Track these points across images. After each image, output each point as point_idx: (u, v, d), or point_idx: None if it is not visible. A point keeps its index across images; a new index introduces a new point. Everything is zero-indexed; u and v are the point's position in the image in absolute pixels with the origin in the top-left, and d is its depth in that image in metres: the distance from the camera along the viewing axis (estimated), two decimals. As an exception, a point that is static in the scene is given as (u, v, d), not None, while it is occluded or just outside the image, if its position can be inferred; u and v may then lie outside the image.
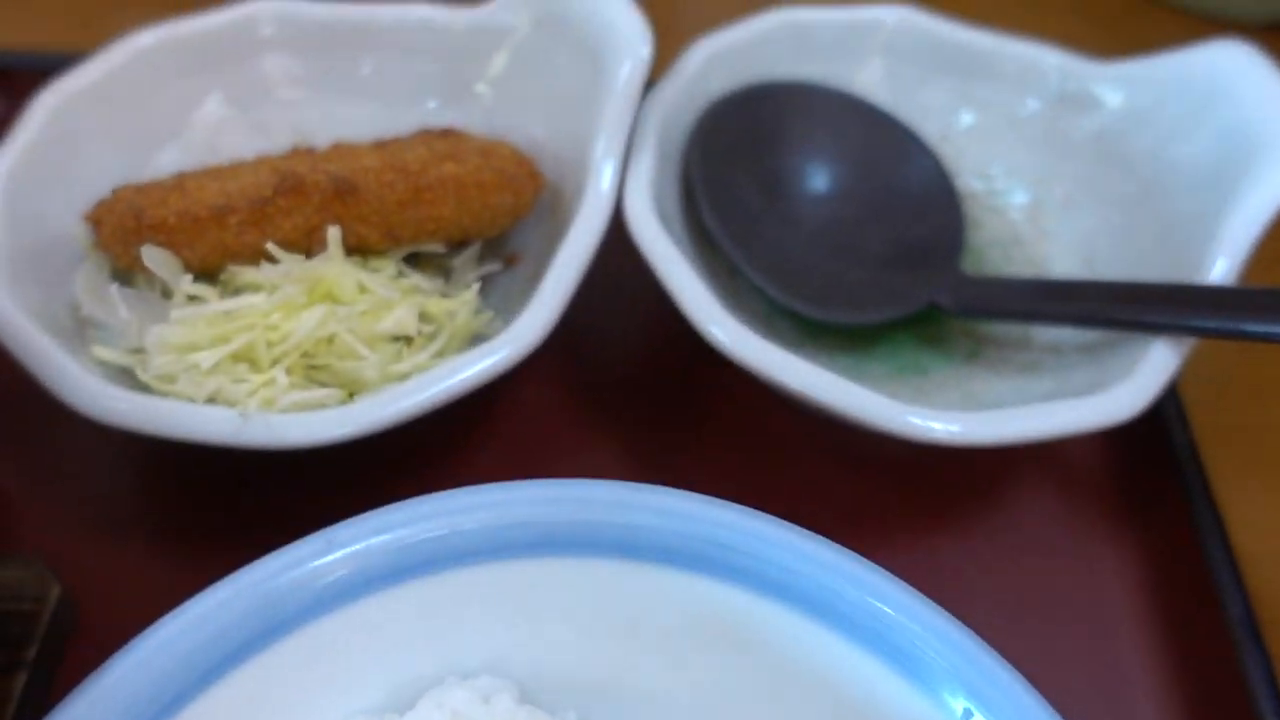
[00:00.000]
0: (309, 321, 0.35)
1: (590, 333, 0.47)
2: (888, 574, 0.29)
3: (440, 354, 0.38)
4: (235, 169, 0.42)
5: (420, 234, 0.38)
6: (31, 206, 0.41)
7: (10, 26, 0.62)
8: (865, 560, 0.29)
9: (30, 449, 0.41)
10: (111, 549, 0.40)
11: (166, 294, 0.39)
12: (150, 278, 0.40)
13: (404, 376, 0.37)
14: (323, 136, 0.49)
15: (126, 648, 0.26)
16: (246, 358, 0.36)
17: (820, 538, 0.30)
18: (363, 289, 0.37)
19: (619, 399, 0.46)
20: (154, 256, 0.36)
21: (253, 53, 0.48)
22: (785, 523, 0.30)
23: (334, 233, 0.36)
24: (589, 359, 0.47)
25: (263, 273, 0.36)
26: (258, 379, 0.35)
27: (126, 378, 0.38)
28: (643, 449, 0.44)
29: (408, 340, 0.38)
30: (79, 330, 0.40)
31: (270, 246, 0.36)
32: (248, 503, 0.41)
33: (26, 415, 0.40)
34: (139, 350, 0.38)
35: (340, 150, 0.45)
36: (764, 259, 0.44)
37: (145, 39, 0.46)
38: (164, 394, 0.36)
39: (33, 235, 0.41)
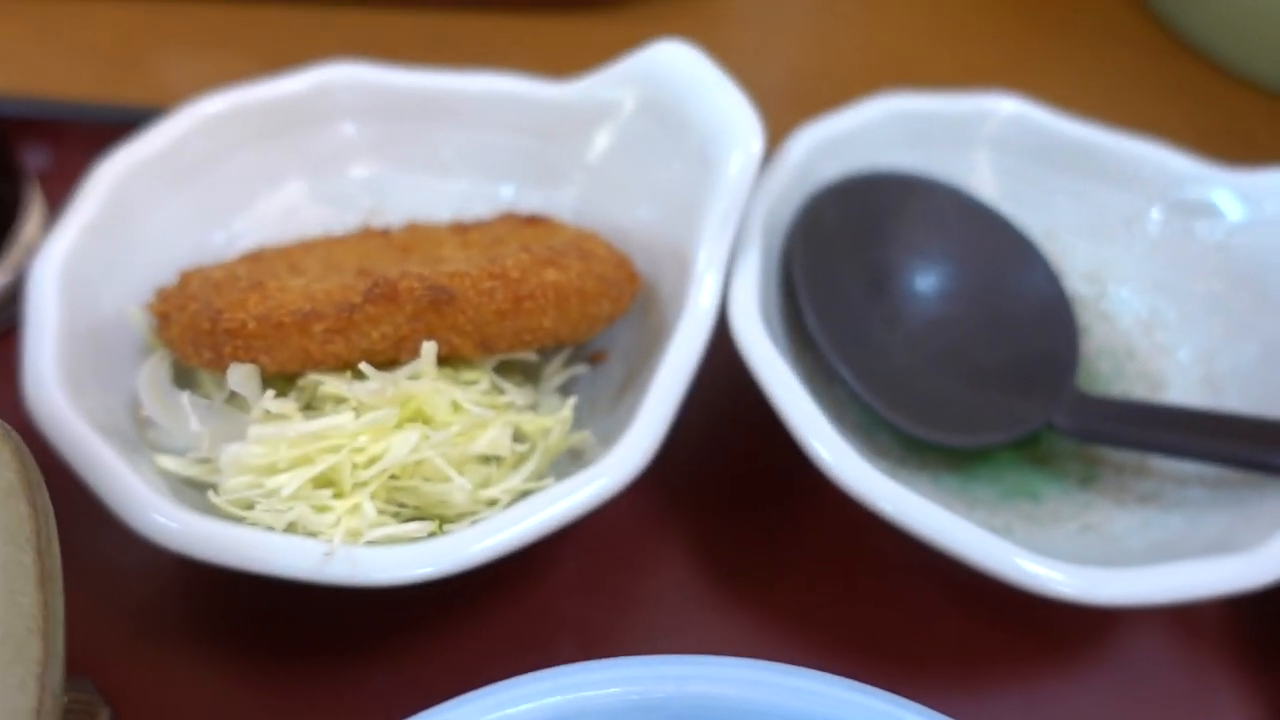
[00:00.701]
0: (401, 448, 0.32)
1: (678, 435, 0.44)
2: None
3: (532, 476, 0.35)
4: (313, 259, 0.39)
5: (516, 344, 0.36)
6: (90, 289, 0.38)
7: (48, 70, 0.58)
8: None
9: (79, 560, 0.38)
10: (163, 669, 0.37)
11: (235, 398, 0.36)
12: (218, 378, 0.37)
13: (494, 502, 0.35)
14: (395, 211, 0.46)
15: None
16: (328, 481, 0.33)
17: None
18: (456, 408, 0.34)
19: (705, 506, 0.43)
20: (239, 376, 0.33)
21: (325, 121, 0.45)
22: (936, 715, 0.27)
23: (429, 349, 0.33)
24: (675, 462, 0.44)
25: (350, 388, 0.33)
26: (341, 506, 0.32)
27: (191, 487, 0.35)
28: (733, 566, 0.42)
29: (498, 459, 0.35)
30: (138, 430, 0.37)
31: (364, 366, 0.33)
32: (307, 622, 0.38)
33: (76, 523, 0.37)
34: (207, 460, 0.35)
35: (417, 232, 0.43)
36: (866, 367, 0.41)
37: (213, 105, 0.43)
38: (238, 520, 0.33)
39: (90, 320, 0.38)
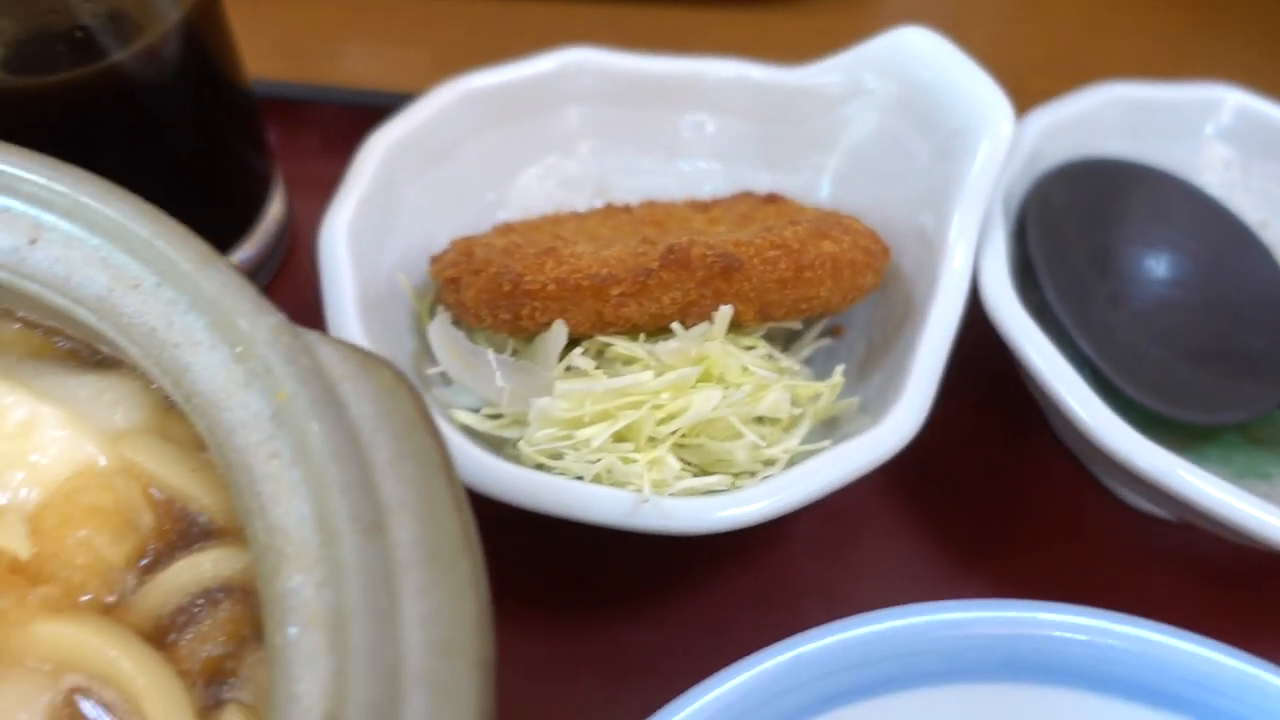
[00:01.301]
0: (703, 405, 0.34)
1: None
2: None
3: (805, 439, 0.37)
4: (569, 233, 0.41)
5: (792, 313, 0.37)
6: (369, 253, 0.41)
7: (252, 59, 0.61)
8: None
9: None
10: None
11: (517, 355, 0.38)
12: (493, 339, 0.39)
13: (771, 462, 0.36)
14: (621, 190, 0.48)
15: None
16: (623, 436, 0.35)
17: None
18: (744, 370, 0.36)
19: (937, 475, 0.44)
20: (556, 333, 0.35)
21: (563, 103, 0.47)
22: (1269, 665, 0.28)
23: (725, 313, 0.35)
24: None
25: (648, 348, 0.35)
26: (644, 459, 0.34)
27: (482, 441, 0.37)
28: (965, 535, 0.43)
29: (774, 421, 0.37)
30: (423, 386, 0.39)
31: (675, 326, 0.35)
32: (570, 578, 0.40)
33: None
34: (499, 416, 0.37)
35: (657, 209, 0.44)
36: (1099, 344, 0.42)
37: (463, 86, 0.45)
38: (545, 469, 0.34)
39: (371, 283, 0.40)
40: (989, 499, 0.44)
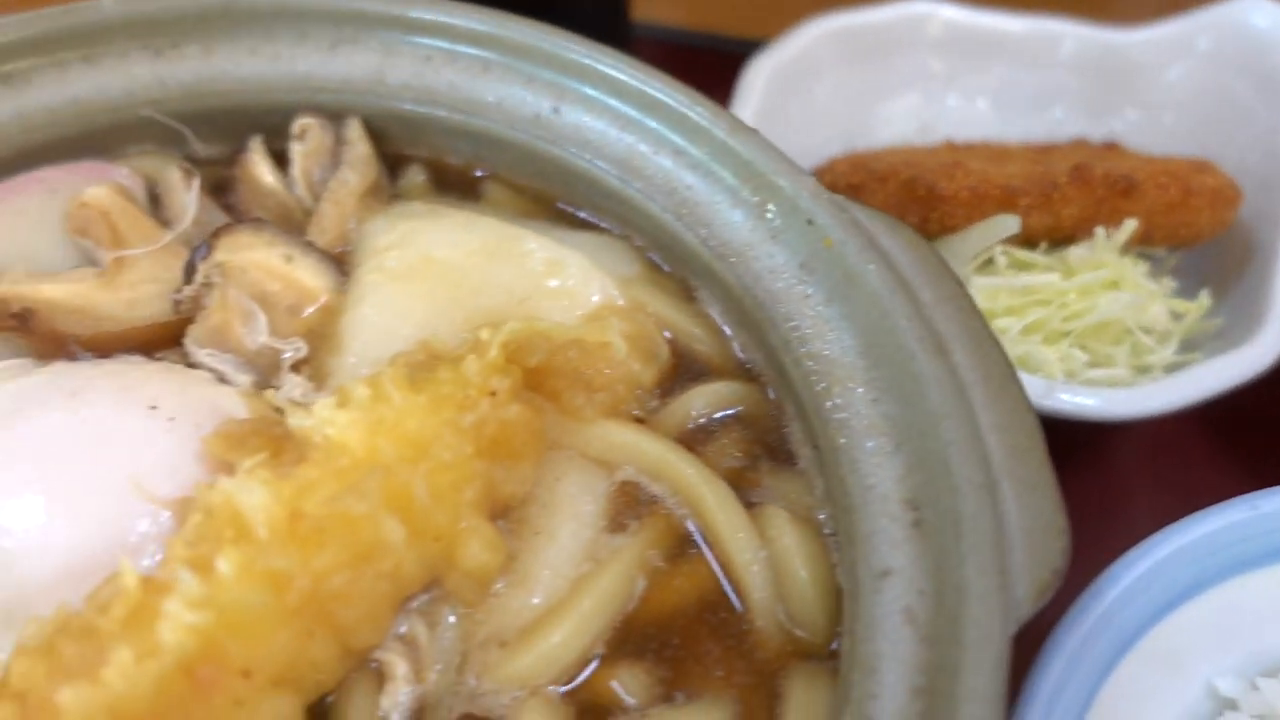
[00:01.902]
0: (1111, 305, 0.38)
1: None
2: None
3: (1177, 351, 0.41)
4: (936, 160, 0.45)
5: (1169, 238, 0.41)
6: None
7: None
8: None
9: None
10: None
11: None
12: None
13: (1147, 368, 0.40)
14: (945, 132, 0.52)
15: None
16: (1033, 330, 0.39)
17: None
18: (1135, 284, 0.39)
19: (1245, 415, 0.47)
20: (1001, 224, 0.39)
21: (911, 47, 0.51)
22: None
23: (1129, 225, 0.39)
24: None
25: (1047, 255, 0.39)
26: (1053, 351, 0.38)
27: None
28: (1268, 472, 0.46)
29: (1146, 332, 0.41)
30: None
31: (1099, 230, 0.39)
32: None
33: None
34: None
35: (994, 150, 0.48)
36: None
37: (825, 25, 0.49)
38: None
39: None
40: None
